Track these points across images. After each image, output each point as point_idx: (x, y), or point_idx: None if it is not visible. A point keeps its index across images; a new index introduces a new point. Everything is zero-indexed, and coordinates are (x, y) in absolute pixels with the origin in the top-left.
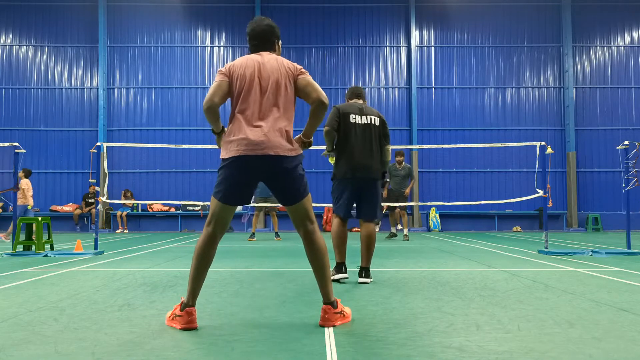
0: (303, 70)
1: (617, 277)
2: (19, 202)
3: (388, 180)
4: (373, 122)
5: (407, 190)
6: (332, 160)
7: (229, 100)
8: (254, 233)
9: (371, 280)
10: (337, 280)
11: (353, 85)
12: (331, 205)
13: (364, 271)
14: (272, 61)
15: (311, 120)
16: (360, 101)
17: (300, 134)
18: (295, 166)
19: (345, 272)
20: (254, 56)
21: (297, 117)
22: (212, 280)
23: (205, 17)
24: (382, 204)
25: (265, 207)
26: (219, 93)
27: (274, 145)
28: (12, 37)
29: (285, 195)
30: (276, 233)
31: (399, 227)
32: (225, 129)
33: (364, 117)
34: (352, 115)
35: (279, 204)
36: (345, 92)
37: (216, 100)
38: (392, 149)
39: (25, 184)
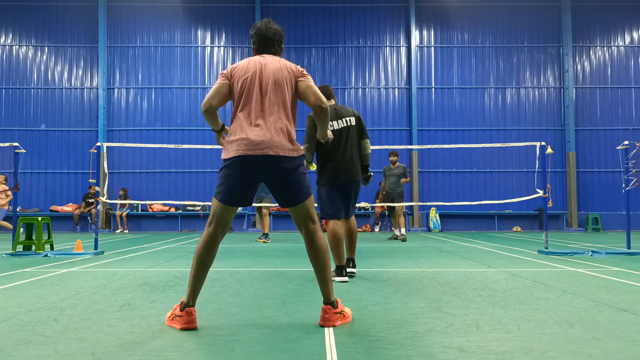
0: (304, 72)
1: (617, 277)
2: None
3: (372, 173)
4: (349, 124)
5: (404, 180)
6: (313, 168)
7: (230, 101)
8: (267, 234)
9: (356, 271)
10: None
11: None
12: None
13: (351, 262)
14: (274, 62)
15: (318, 124)
16: (332, 102)
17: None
18: (297, 167)
19: (346, 275)
20: (256, 58)
21: (297, 117)
22: (212, 280)
23: (205, 17)
24: (383, 204)
25: (261, 207)
26: (217, 96)
27: (275, 145)
28: (12, 37)
29: (287, 196)
30: (265, 234)
31: (403, 231)
32: (226, 127)
33: (339, 120)
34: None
35: (272, 205)
36: None
37: (214, 103)
38: (388, 149)
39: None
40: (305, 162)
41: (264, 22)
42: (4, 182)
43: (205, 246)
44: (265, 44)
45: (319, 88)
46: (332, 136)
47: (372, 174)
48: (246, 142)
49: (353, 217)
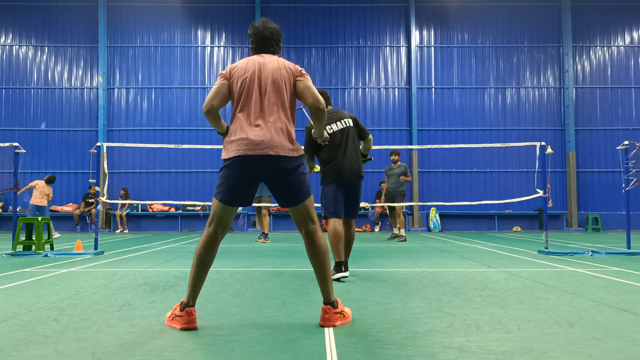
0: (303, 72)
1: (617, 277)
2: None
3: (371, 157)
4: (347, 125)
5: (403, 178)
6: (317, 169)
7: (229, 101)
8: (266, 234)
9: (348, 273)
10: (338, 279)
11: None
12: None
13: (344, 265)
14: (273, 62)
15: (314, 123)
16: (329, 107)
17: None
18: (297, 167)
19: (346, 271)
20: (255, 57)
21: (297, 117)
22: (212, 280)
23: (205, 17)
24: (383, 204)
25: (261, 206)
26: (217, 97)
27: (275, 145)
28: (12, 37)
29: (287, 196)
30: (264, 234)
31: (402, 231)
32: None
33: (338, 122)
34: (327, 127)
35: (271, 204)
36: None
37: (215, 104)
38: (388, 149)
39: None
40: (308, 168)
41: (261, 21)
42: (47, 182)
43: (205, 246)
44: (263, 44)
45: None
46: (327, 135)
47: (371, 157)
48: (246, 142)
49: (353, 223)
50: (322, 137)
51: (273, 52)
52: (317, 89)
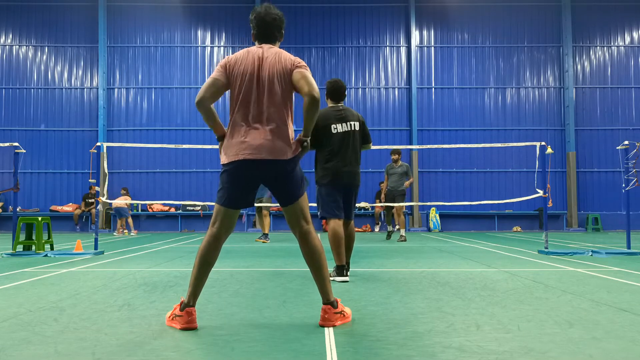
0: (301, 64)
1: (617, 277)
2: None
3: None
4: (353, 128)
5: (407, 184)
6: None
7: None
8: (266, 234)
9: (348, 279)
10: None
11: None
12: None
13: (345, 269)
14: (271, 58)
15: (305, 117)
16: (341, 104)
17: (300, 134)
18: (294, 167)
19: (346, 275)
20: (254, 52)
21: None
22: (212, 280)
23: (205, 17)
24: (383, 204)
25: (262, 207)
26: (211, 90)
27: (275, 150)
28: (12, 37)
29: (283, 195)
30: (265, 235)
31: (397, 227)
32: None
33: (344, 124)
34: (332, 126)
35: (271, 204)
36: (326, 86)
37: (207, 95)
38: (388, 149)
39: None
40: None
41: (264, 7)
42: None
43: (208, 246)
44: (265, 31)
45: (334, 87)
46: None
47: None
48: (245, 146)
49: (352, 223)
50: (308, 137)
51: (275, 40)
52: (334, 81)
